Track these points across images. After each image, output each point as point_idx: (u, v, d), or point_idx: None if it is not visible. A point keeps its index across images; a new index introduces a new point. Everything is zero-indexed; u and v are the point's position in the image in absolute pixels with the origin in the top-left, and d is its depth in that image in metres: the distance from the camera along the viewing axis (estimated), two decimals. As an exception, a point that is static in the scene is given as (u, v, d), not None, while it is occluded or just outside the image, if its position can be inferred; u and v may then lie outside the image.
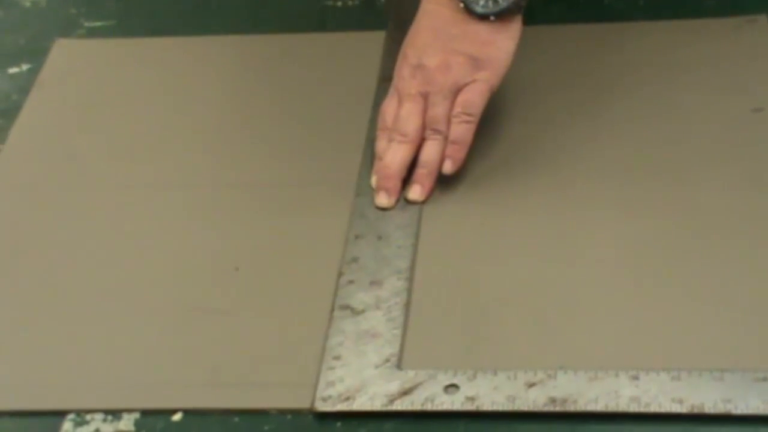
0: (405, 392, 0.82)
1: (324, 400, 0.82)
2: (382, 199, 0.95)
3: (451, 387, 0.82)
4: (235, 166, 1.01)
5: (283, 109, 1.05)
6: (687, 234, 0.91)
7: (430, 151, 0.96)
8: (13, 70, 1.12)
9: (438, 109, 0.95)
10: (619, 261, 0.90)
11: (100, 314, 0.90)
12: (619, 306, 0.87)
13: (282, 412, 0.83)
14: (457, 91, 0.95)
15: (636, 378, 0.81)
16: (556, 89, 1.04)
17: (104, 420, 0.84)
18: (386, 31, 1.10)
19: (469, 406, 0.81)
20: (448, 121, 0.95)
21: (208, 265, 0.93)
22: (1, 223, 0.99)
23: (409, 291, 0.89)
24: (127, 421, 0.84)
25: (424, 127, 0.96)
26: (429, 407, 0.81)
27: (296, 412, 0.83)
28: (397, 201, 0.96)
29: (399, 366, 0.84)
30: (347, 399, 0.82)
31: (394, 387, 0.83)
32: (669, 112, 1.00)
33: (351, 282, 0.90)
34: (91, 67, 1.13)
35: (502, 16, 0.95)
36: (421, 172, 0.96)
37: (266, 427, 0.82)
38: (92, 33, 1.16)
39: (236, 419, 0.83)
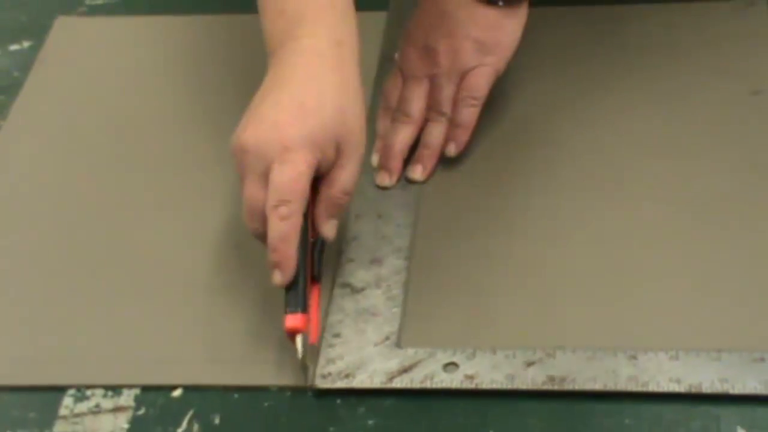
0: (404, 370, 0.83)
1: (324, 377, 0.83)
2: (384, 179, 0.96)
3: (451, 365, 0.83)
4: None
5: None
6: (686, 215, 0.91)
7: (433, 133, 0.96)
8: (14, 47, 1.12)
9: (443, 92, 0.95)
10: (617, 241, 0.90)
11: (100, 291, 0.91)
12: (618, 286, 0.87)
13: (281, 389, 0.83)
14: (462, 74, 0.95)
15: (634, 357, 0.82)
16: (556, 72, 1.04)
17: (104, 395, 0.84)
18: (388, 11, 1.10)
19: (468, 384, 0.81)
20: (453, 104, 0.95)
21: (209, 243, 0.93)
22: (2, 199, 0.99)
23: (409, 270, 0.90)
24: (127, 397, 0.84)
25: (427, 108, 0.96)
26: (428, 385, 0.82)
27: (296, 389, 0.83)
28: (398, 180, 0.96)
29: (398, 344, 0.84)
30: (347, 376, 0.83)
31: (393, 365, 0.83)
32: (668, 94, 1.00)
33: (351, 260, 0.90)
34: (93, 44, 1.13)
35: (510, 0, 0.95)
36: (423, 152, 0.96)
37: (266, 404, 0.83)
38: (94, 10, 1.15)
39: (236, 396, 0.84)
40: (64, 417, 0.83)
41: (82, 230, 0.95)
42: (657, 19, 1.07)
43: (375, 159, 0.97)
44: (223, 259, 0.92)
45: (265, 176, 0.82)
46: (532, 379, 0.81)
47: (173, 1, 1.15)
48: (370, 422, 0.81)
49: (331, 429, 0.81)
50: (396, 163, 0.96)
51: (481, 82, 0.95)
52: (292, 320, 0.82)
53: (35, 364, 0.86)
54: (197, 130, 1.03)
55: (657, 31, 1.06)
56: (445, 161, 0.97)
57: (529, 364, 0.82)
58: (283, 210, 0.81)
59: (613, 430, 0.79)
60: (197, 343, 0.87)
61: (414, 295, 0.88)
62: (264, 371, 0.84)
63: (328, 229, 0.86)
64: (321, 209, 0.85)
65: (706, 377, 0.80)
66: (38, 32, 1.13)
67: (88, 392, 0.85)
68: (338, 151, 0.84)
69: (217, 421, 0.82)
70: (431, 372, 0.82)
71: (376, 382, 0.82)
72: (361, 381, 0.82)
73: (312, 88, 0.83)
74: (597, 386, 0.80)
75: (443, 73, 0.95)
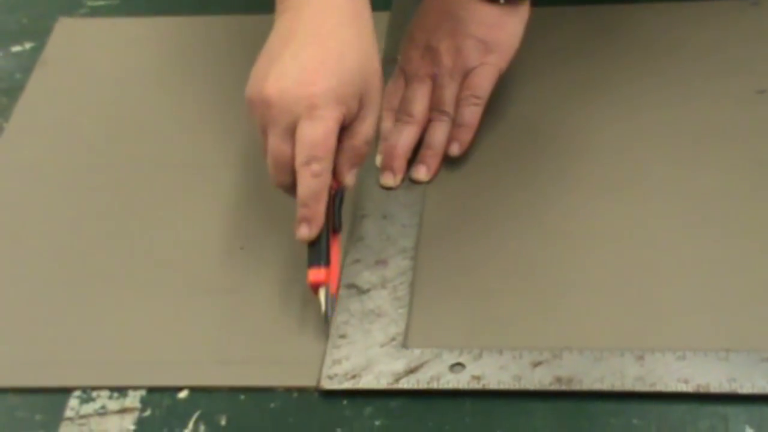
0: (411, 371, 0.83)
1: (330, 378, 0.83)
2: (388, 179, 0.96)
3: (457, 366, 0.83)
4: (240, 145, 1.01)
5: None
6: (692, 214, 0.91)
7: (436, 133, 0.96)
8: (16, 48, 1.12)
9: (446, 91, 0.96)
10: (624, 241, 0.90)
11: (105, 292, 0.91)
12: (625, 286, 0.87)
13: (288, 390, 0.84)
14: (465, 73, 0.96)
15: (641, 358, 0.82)
16: (560, 71, 1.04)
17: (110, 397, 0.84)
18: (390, 11, 1.10)
19: (475, 385, 0.82)
20: (456, 104, 0.96)
21: (214, 244, 0.93)
22: (5, 201, 0.99)
23: (415, 270, 0.90)
24: (133, 398, 0.84)
25: (430, 108, 0.96)
26: (435, 386, 0.82)
27: (302, 390, 0.83)
28: (402, 181, 0.96)
29: (405, 345, 0.85)
30: (353, 377, 0.83)
31: (399, 365, 0.83)
32: (674, 93, 1.01)
33: (357, 261, 0.90)
34: (94, 46, 1.13)
35: None
36: (426, 152, 0.96)
37: (272, 405, 0.83)
38: (95, 12, 1.16)
39: (242, 397, 0.84)
40: (70, 418, 0.83)
41: (86, 231, 0.96)
42: (661, 18, 1.07)
43: (379, 160, 0.97)
44: (227, 260, 0.92)
45: (290, 131, 0.84)
46: (539, 379, 0.81)
47: (173, 2, 1.15)
48: (377, 423, 0.81)
49: (338, 430, 0.81)
50: (400, 164, 0.96)
51: (483, 82, 0.96)
52: (315, 274, 0.85)
53: (41, 365, 0.87)
54: (200, 131, 1.03)
55: (661, 30, 1.06)
56: (449, 161, 0.97)
57: (536, 364, 0.82)
58: (315, 167, 0.83)
59: (621, 431, 0.79)
60: (203, 344, 0.87)
61: (420, 295, 0.88)
62: (270, 372, 0.84)
63: (350, 178, 0.88)
64: (344, 160, 0.87)
65: (714, 377, 0.80)
66: (40, 34, 1.13)
67: (94, 393, 0.85)
68: (360, 103, 0.85)
69: (223, 422, 0.82)
70: (438, 373, 0.82)
71: (383, 383, 0.82)
72: (368, 382, 0.82)
73: (333, 43, 0.84)
74: (604, 386, 0.81)
75: (446, 72, 0.96)
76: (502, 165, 0.97)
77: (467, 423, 0.81)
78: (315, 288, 0.86)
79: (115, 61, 1.11)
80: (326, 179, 0.84)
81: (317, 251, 0.86)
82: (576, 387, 0.81)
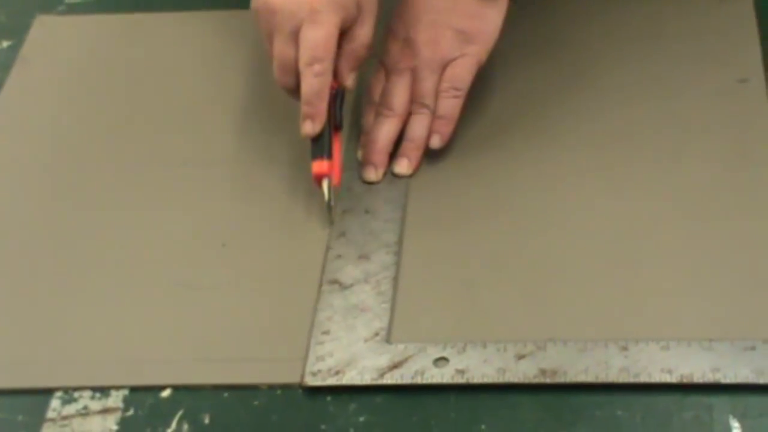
0: (395, 366, 0.83)
1: (314, 374, 0.83)
2: (370, 174, 0.96)
3: (441, 360, 0.83)
4: (220, 142, 1.01)
5: (268, 84, 1.05)
6: (674, 204, 0.92)
7: (417, 126, 0.96)
8: (-6, 46, 1.12)
9: (425, 84, 0.95)
10: (607, 232, 0.90)
11: (86, 291, 0.91)
12: (608, 277, 0.87)
13: (272, 387, 0.83)
14: (444, 65, 0.95)
15: (625, 348, 0.82)
16: (542, 63, 1.04)
17: (92, 397, 0.84)
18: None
19: (459, 379, 0.82)
20: (436, 96, 0.96)
21: (195, 242, 0.93)
22: (-15, 200, 0.99)
23: (398, 265, 0.90)
24: (116, 398, 0.84)
25: (410, 101, 0.96)
26: (419, 381, 0.82)
27: (286, 387, 0.83)
28: (385, 175, 0.96)
29: (388, 340, 0.85)
30: (337, 373, 0.83)
31: (383, 361, 0.83)
32: (656, 83, 1.01)
33: (339, 256, 0.90)
34: (73, 43, 1.12)
35: None
36: (408, 146, 0.96)
37: (256, 403, 0.83)
38: (73, 9, 1.15)
39: (225, 395, 0.84)
40: (52, 419, 0.83)
41: (66, 230, 0.95)
42: (643, 8, 1.07)
43: (360, 154, 0.97)
44: (210, 258, 0.92)
45: (293, 35, 0.90)
46: (523, 372, 0.81)
47: (151, -2, 1.16)
48: (361, 419, 0.81)
49: (322, 427, 0.81)
50: (381, 158, 0.96)
51: (463, 73, 0.96)
52: (319, 166, 0.92)
53: (21, 366, 0.86)
54: (179, 128, 1.03)
55: (644, 20, 1.06)
56: (431, 154, 0.97)
57: (520, 357, 0.82)
58: (317, 68, 0.90)
59: (605, 422, 0.80)
60: (186, 342, 0.86)
61: (403, 290, 0.88)
62: (254, 370, 0.84)
63: (350, 80, 0.94)
64: (344, 63, 0.93)
65: (698, 367, 0.80)
66: (18, 31, 1.13)
67: (76, 394, 0.84)
68: (358, 9, 0.91)
69: (207, 420, 0.82)
70: (422, 367, 0.82)
71: (367, 379, 0.82)
72: (352, 378, 0.82)
73: None
74: (588, 378, 0.81)
75: (425, 64, 0.95)
76: (484, 158, 0.97)
77: (452, 417, 0.81)
78: (318, 179, 0.92)
79: (94, 57, 1.11)
80: (327, 78, 0.90)
81: (320, 145, 0.92)
82: (560, 379, 0.81)
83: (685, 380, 0.80)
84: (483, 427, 0.80)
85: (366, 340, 0.85)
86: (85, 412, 0.83)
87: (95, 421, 0.83)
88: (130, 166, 1.00)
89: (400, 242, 0.91)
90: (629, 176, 0.94)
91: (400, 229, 0.92)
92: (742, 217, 0.90)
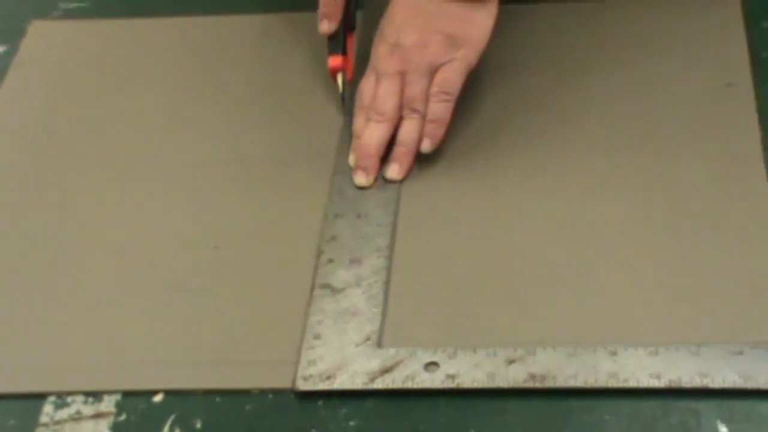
0: (386, 370, 0.82)
1: (305, 379, 0.82)
2: (361, 178, 0.95)
3: (432, 365, 0.82)
4: (213, 145, 1.01)
5: (260, 88, 1.05)
6: (663, 208, 0.91)
7: (408, 130, 0.95)
8: (-11, 51, 1.12)
9: (415, 88, 0.95)
10: (596, 237, 0.90)
11: (78, 295, 0.90)
12: (597, 282, 0.87)
13: (263, 392, 0.83)
14: (434, 69, 0.95)
15: (614, 354, 0.81)
16: (533, 67, 1.03)
17: (85, 402, 0.84)
18: (362, 11, 1.09)
19: (450, 384, 0.81)
20: (426, 100, 0.95)
21: (188, 245, 0.93)
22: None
23: (389, 269, 0.89)
24: (108, 403, 0.84)
25: (401, 105, 0.95)
26: (410, 385, 0.81)
27: (277, 392, 0.83)
28: (376, 179, 0.95)
29: (379, 344, 0.84)
30: (328, 378, 0.82)
31: (374, 365, 0.83)
32: (645, 87, 1.00)
33: (331, 261, 0.90)
34: (68, 48, 1.12)
35: None
36: (399, 150, 0.95)
37: (247, 407, 0.83)
38: (68, 14, 1.15)
39: (217, 399, 0.83)
40: (45, 424, 0.83)
41: (59, 234, 0.95)
42: (632, 12, 1.07)
43: (352, 159, 0.96)
44: (202, 262, 0.91)
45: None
46: (513, 377, 0.81)
47: (146, 4, 1.15)
48: (352, 423, 0.81)
49: (313, 430, 0.81)
50: (372, 162, 0.95)
51: (453, 77, 0.95)
52: (334, 61, 1.00)
53: (14, 371, 0.86)
54: (173, 131, 1.02)
55: (633, 26, 1.06)
56: (422, 159, 0.96)
57: (510, 361, 0.82)
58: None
59: (593, 427, 0.79)
60: (178, 347, 0.86)
61: (395, 294, 0.88)
62: (245, 374, 0.84)
63: None
64: None
65: (686, 372, 0.80)
66: (13, 36, 1.12)
67: (69, 399, 0.84)
68: None
69: (199, 425, 0.82)
70: (412, 372, 0.82)
71: (358, 383, 0.82)
72: (343, 382, 0.82)
73: None
74: (578, 383, 0.80)
75: (415, 69, 0.95)
76: (475, 162, 0.96)
77: (442, 422, 0.80)
78: (334, 73, 1.00)
79: (89, 62, 1.10)
80: None
81: (336, 43, 1.01)
82: (550, 384, 0.81)
83: (673, 385, 0.80)
84: (472, 431, 0.80)
85: (357, 345, 0.84)
86: (77, 417, 0.83)
87: (88, 426, 0.82)
88: (123, 170, 0.99)
89: (391, 246, 0.91)
90: (618, 180, 0.94)
91: (391, 233, 0.92)
92: (730, 221, 0.90)
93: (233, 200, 0.96)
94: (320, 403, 0.82)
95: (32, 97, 1.07)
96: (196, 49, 1.10)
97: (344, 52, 1.00)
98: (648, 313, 0.84)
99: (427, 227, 0.92)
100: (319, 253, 0.90)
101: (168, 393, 0.84)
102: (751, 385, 0.79)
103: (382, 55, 0.97)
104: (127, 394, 0.84)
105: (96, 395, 0.84)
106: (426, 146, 0.95)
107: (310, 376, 0.83)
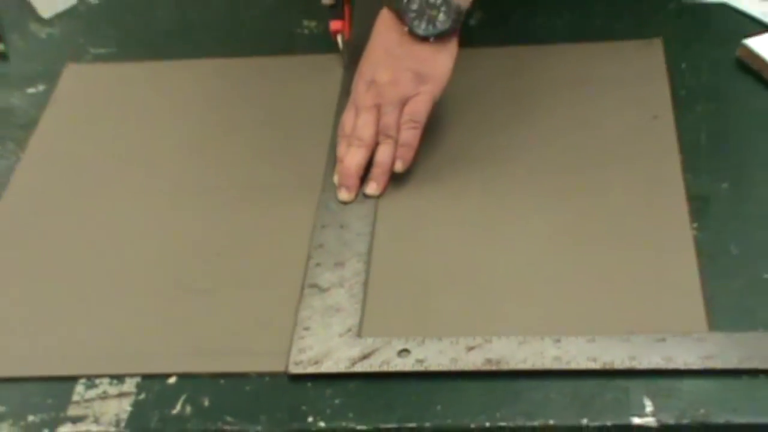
0: (365, 356, 0.82)
1: (296, 364, 0.82)
2: (344, 195, 0.95)
3: (404, 351, 0.82)
4: (219, 170, 1.00)
5: (259, 121, 1.05)
6: (598, 222, 0.91)
7: (383, 153, 0.95)
8: (31, 90, 1.11)
9: (389, 118, 0.95)
10: (541, 245, 0.90)
11: (106, 295, 0.90)
12: (543, 282, 0.87)
13: (261, 375, 0.83)
14: (404, 101, 0.95)
15: (558, 341, 0.81)
16: (489, 101, 1.03)
17: (110, 383, 0.83)
18: (346, 54, 1.09)
19: (419, 367, 0.81)
20: (398, 128, 0.95)
21: (196, 252, 0.92)
22: (22, 216, 0.98)
23: (368, 271, 0.89)
24: (130, 384, 0.83)
25: (377, 133, 0.95)
26: (385, 368, 0.81)
27: (273, 375, 0.83)
28: (357, 196, 0.95)
29: (359, 335, 0.84)
30: (316, 363, 0.82)
31: (355, 352, 0.82)
32: (583, 119, 1.00)
33: (318, 264, 0.90)
34: (97, 86, 1.11)
35: (440, 37, 0.94)
36: (376, 171, 0.95)
37: (247, 388, 0.82)
38: (97, 58, 1.14)
39: (222, 381, 0.83)
40: (77, 402, 0.82)
41: (89, 243, 0.94)
42: (573, 55, 1.06)
43: (336, 178, 0.96)
44: (209, 267, 0.91)
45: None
46: (472, 361, 0.81)
47: (162, 49, 1.14)
48: (337, 401, 0.81)
49: (303, 408, 0.80)
50: (353, 181, 0.95)
51: (420, 108, 0.95)
52: (335, 24, 1.05)
53: (51, 357, 0.86)
54: (185, 159, 1.01)
55: (573, 66, 1.05)
56: (396, 178, 0.96)
57: (470, 348, 0.82)
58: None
59: (541, 403, 0.79)
60: (188, 337, 0.86)
61: (372, 292, 0.87)
62: (246, 361, 0.84)
63: None
64: None
65: (618, 356, 0.80)
66: (51, 77, 1.12)
67: (97, 381, 0.84)
68: None
69: (206, 403, 0.82)
70: (387, 358, 0.82)
71: (341, 367, 0.82)
72: (328, 367, 0.82)
73: None
74: (527, 366, 0.80)
75: (388, 102, 0.95)
76: (440, 181, 0.96)
77: (413, 400, 0.80)
78: (334, 34, 1.05)
79: (114, 99, 1.10)
80: None
81: (336, 9, 1.05)
82: (503, 367, 0.80)
83: (607, 367, 0.80)
84: (438, 407, 0.80)
85: (340, 335, 0.84)
86: (104, 396, 0.83)
87: (113, 404, 0.82)
88: (141, 190, 0.99)
89: (369, 252, 0.90)
90: (560, 198, 0.93)
91: (369, 241, 0.91)
92: (653, 232, 0.89)
93: (236, 214, 0.95)
94: (309, 384, 0.82)
95: (66, 127, 1.07)
96: (204, 87, 1.09)
97: (342, 18, 1.05)
98: (586, 308, 0.84)
99: (400, 236, 0.92)
100: (309, 258, 0.90)
101: (180, 376, 0.83)
102: (671, 366, 0.79)
103: (360, 91, 0.96)
104: (145, 377, 0.83)
105: (119, 378, 0.83)
106: (399, 167, 0.95)
107: (301, 361, 0.82)
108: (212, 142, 1.03)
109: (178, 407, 0.81)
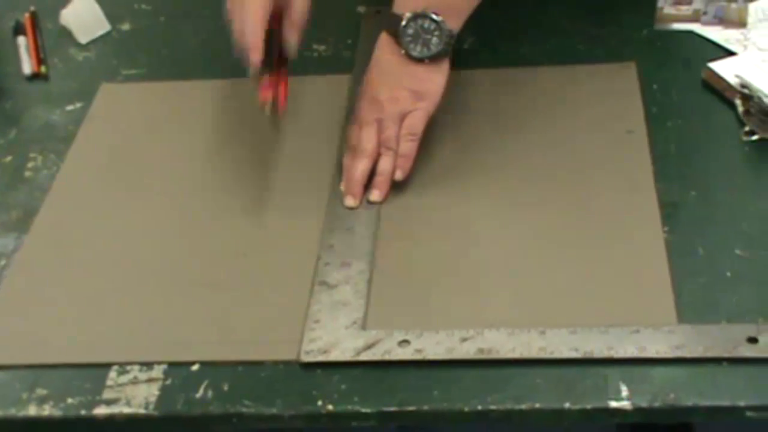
0: (368, 346, 0.82)
1: (307, 353, 0.82)
2: (350, 201, 0.94)
3: (404, 342, 0.82)
4: (239, 179, 0.99)
5: (275, 136, 1.04)
6: (578, 226, 0.90)
7: (384, 164, 0.95)
8: (69, 107, 1.11)
9: (389, 132, 0.94)
10: (528, 247, 0.89)
11: (136, 291, 0.89)
12: (530, 280, 0.86)
13: (275, 363, 0.82)
14: (403, 117, 0.94)
15: (543, 333, 0.81)
16: (480, 116, 1.02)
17: (140, 370, 0.83)
18: (351, 74, 1.09)
19: (418, 357, 0.81)
20: (397, 141, 0.95)
21: (218, 253, 0.92)
22: (62, 219, 0.97)
23: (372, 270, 0.88)
24: (158, 371, 0.83)
25: (379, 145, 0.95)
26: (387, 357, 0.81)
27: (286, 363, 0.82)
28: (361, 202, 0.95)
29: (364, 327, 0.84)
30: (325, 352, 0.82)
31: (360, 343, 0.82)
32: (565, 134, 0.99)
33: (327, 264, 0.89)
34: (128, 104, 1.11)
35: (433, 59, 0.94)
36: (378, 179, 0.95)
37: (263, 374, 0.82)
38: (129, 78, 1.14)
39: (240, 368, 0.82)
40: (111, 386, 0.82)
41: (124, 243, 0.94)
42: (557, 77, 1.05)
43: (342, 186, 0.96)
44: (232, 265, 0.91)
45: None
46: (466, 351, 0.81)
47: (187, 70, 1.13)
48: (343, 387, 0.80)
49: (314, 392, 0.80)
50: (358, 189, 0.95)
51: (417, 122, 0.95)
52: (265, 91, 0.94)
53: (88, 346, 0.85)
54: (210, 168, 1.01)
55: (556, 86, 1.04)
56: (396, 185, 0.95)
57: (464, 339, 0.81)
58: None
59: (528, 389, 0.79)
60: (211, 329, 0.85)
61: (376, 289, 0.87)
62: (262, 350, 0.83)
63: (293, 42, 0.94)
64: (287, 30, 0.94)
65: (597, 346, 0.80)
66: (87, 96, 1.11)
67: (128, 367, 0.83)
68: None
69: (226, 388, 0.81)
70: (389, 348, 0.81)
71: (347, 356, 0.81)
72: (336, 355, 0.81)
73: None
74: (515, 355, 0.80)
75: (388, 117, 0.94)
76: (437, 188, 0.95)
77: (412, 385, 0.80)
78: (263, 104, 0.93)
79: (144, 116, 1.09)
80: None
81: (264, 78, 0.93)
82: (494, 356, 0.80)
83: (587, 356, 0.79)
84: (435, 392, 0.79)
85: (347, 327, 0.84)
86: (135, 381, 0.82)
87: (142, 388, 0.82)
88: (173, 200, 0.98)
89: (373, 253, 0.90)
90: (544, 205, 0.92)
91: (373, 242, 0.91)
92: (628, 235, 0.89)
93: (256, 219, 0.95)
94: (319, 371, 0.81)
95: (100, 141, 1.06)
96: (227, 105, 1.08)
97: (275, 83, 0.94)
98: (569, 304, 0.84)
99: (400, 238, 0.91)
100: (318, 258, 0.90)
101: (203, 363, 0.83)
102: (645, 355, 0.79)
103: (363, 107, 0.96)
104: (171, 364, 0.83)
105: (148, 365, 0.83)
106: (398, 175, 0.95)
107: (311, 350, 0.82)
108: (232, 153, 1.03)
109: (201, 391, 0.81)
